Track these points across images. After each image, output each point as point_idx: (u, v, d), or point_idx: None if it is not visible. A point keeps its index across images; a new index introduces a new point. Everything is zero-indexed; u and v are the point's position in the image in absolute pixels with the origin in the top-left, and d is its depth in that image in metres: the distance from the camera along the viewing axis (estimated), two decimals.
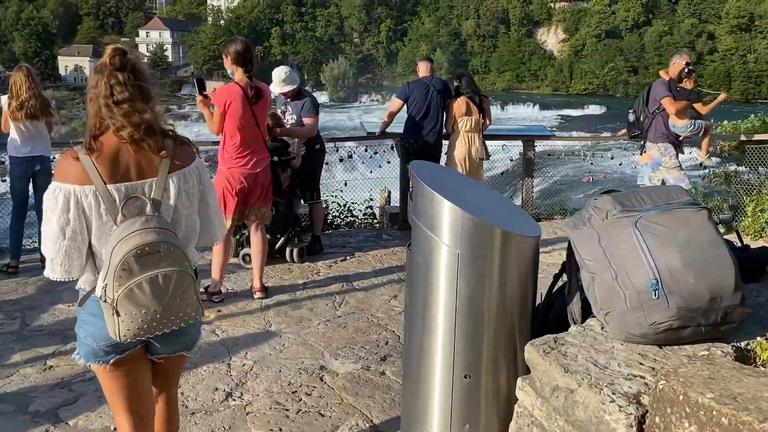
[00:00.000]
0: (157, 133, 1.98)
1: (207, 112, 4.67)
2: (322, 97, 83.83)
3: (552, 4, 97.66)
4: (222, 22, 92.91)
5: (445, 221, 2.20)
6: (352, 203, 7.89)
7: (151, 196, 1.95)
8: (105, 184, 1.89)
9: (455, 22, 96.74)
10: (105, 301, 1.86)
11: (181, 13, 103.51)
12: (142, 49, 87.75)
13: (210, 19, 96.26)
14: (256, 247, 4.88)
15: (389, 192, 9.00)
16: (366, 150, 7.29)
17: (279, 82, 5.67)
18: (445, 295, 2.25)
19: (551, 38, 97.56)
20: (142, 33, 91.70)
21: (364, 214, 7.97)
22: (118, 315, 1.84)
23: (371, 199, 8.17)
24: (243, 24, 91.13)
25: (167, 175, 1.99)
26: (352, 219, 7.85)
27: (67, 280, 1.97)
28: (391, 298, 4.97)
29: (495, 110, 72.41)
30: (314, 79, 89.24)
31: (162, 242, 1.86)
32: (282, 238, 5.81)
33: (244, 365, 3.83)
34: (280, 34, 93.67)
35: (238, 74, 4.58)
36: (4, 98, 5.42)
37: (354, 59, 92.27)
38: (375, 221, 7.92)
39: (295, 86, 5.77)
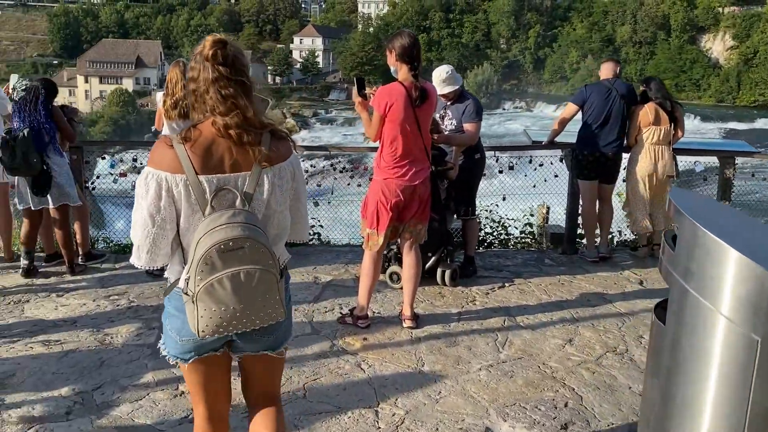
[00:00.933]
0: (255, 127, 1.93)
1: (365, 116, 4.13)
2: None
3: (720, 9, 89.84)
4: (371, 29, 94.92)
5: (736, 287, 1.42)
6: (508, 219, 7.12)
7: (243, 190, 1.91)
8: (196, 174, 1.86)
9: (609, 28, 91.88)
10: (186, 293, 1.84)
11: (333, 21, 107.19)
12: (296, 55, 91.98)
13: (360, 26, 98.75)
14: (408, 270, 4.28)
15: (548, 208, 8.10)
16: (530, 161, 6.49)
17: (439, 82, 5.04)
18: (727, 400, 1.46)
19: (717, 45, 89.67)
20: (296, 40, 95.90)
21: (521, 232, 7.16)
22: (198, 310, 1.81)
23: (531, 215, 7.34)
24: (391, 31, 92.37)
25: (261, 170, 1.94)
26: (506, 237, 7.07)
27: (150, 268, 1.95)
28: (565, 343, 4.15)
29: None
30: None
31: (247, 238, 1.80)
32: (433, 258, 5.17)
33: (394, 415, 3.22)
34: (427, 40, 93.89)
35: (402, 72, 4.00)
36: (160, 95, 5.26)
37: (499, 65, 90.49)
38: (532, 240, 7.08)
39: (457, 87, 5.13)
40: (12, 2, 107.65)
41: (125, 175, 6.29)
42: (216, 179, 1.89)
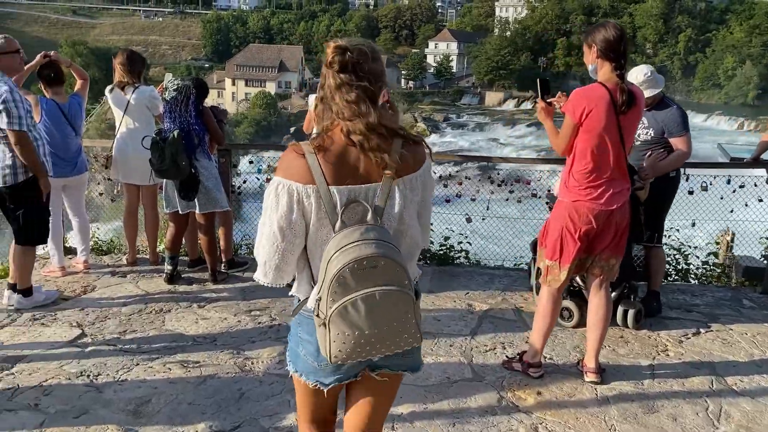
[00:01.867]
0: (384, 134, 1.81)
1: (549, 124, 3.45)
2: None
3: None
4: (508, 33, 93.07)
5: None
6: (689, 247, 6.10)
7: (374, 203, 1.79)
8: (328, 185, 1.76)
9: None
10: (318, 315, 1.72)
11: (469, 25, 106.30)
12: (430, 59, 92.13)
13: (497, 30, 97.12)
14: (596, 314, 3.53)
15: (732, 234, 6.93)
16: (729, 182, 5.44)
17: (637, 85, 4.22)
18: None
19: None
20: (431, 44, 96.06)
21: (704, 263, 6.11)
22: (330, 333, 1.69)
23: (717, 243, 6.27)
24: (529, 35, 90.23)
25: (393, 181, 1.81)
26: (685, 267, 6.06)
27: (277, 286, 1.86)
28: None
29: None
30: None
31: (382, 256, 1.66)
32: (614, 293, 4.37)
33: None
34: (566, 44, 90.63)
35: (604, 71, 3.28)
36: (312, 97, 4.86)
37: None
38: (721, 274, 6.01)
39: (658, 91, 4.32)
40: (172, 10, 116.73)
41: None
42: (347, 191, 1.78)
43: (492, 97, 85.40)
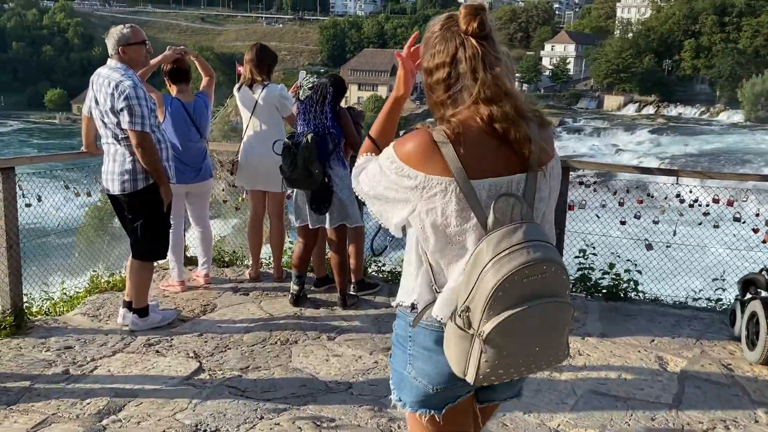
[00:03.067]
0: (524, 116, 1.53)
1: None
2: (736, 116, 73.43)
3: None
4: (630, 35, 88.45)
5: None
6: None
7: (521, 196, 1.53)
8: (468, 178, 1.49)
9: None
10: (462, 329, 1.46)
11: (588, 27, 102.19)
12: (545, 62, 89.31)
13: (617, 32, 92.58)
14: None
15: None
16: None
17: None
18: None
19: None
20: (547, 46, 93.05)
21: None
22: (481, 351, 1.45)
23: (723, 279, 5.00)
24: (653, 36, 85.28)
25: (537, 169, 1.55)
26: None
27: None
28: None
29: None
30: (728, 95, 78.74)
31: (551, 261, 1.44)
32: None
33: None
34: (694, 46, 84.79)
35: None
36: None
37: None
38: None
39: None
40: (291, 17, 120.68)
41: None
42: (488, 184, 1.52)
43: (611, 101, 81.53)
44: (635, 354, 3.84)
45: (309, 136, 4.14)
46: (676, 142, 57.30)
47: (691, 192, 4.89)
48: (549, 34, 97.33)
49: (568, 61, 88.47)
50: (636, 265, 5.04)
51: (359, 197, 1.68)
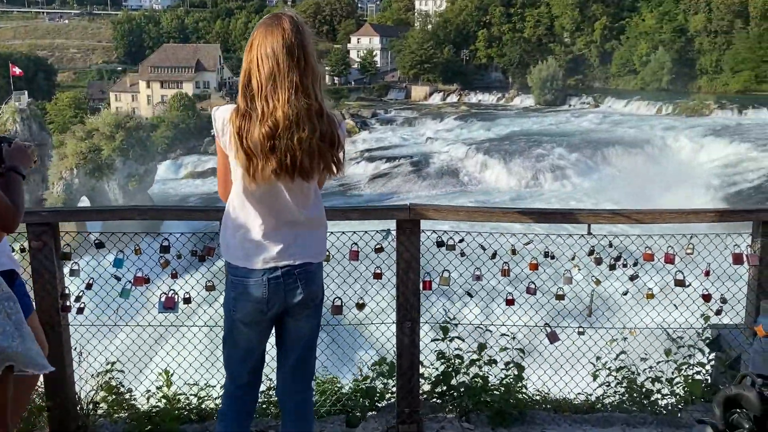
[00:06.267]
0: None
1: None
2: (527, 101, 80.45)
3: None
4: (429, 26, 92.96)
5: None
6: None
7: None
8: None
9: (681, 18, 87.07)
10: None
11: (390, 19, 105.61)
12: (353, 54, 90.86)
13: (417, 24, 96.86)
14: None
15: None
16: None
17: None
18: None
19: None
20: (353, 39, 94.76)
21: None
22: None
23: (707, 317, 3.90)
24: (450, 28, 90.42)
25: None
26: None
27: None
28: None
29: (731, 115, 63.72)
30: (520, 82, 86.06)
31: None
32: None
33: None
34: (487, 36, 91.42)
35: None
36: None
37: (563, 60, 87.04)
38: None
39: None
40: (78, 11, 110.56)
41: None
42: None
43: (418, 92, 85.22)
44: None
45: None
46: (480, 127, 61.33)
47: (611, 245, 3.41)
48: (354, 27, 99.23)
49: (374, 53, 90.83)
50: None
51: None
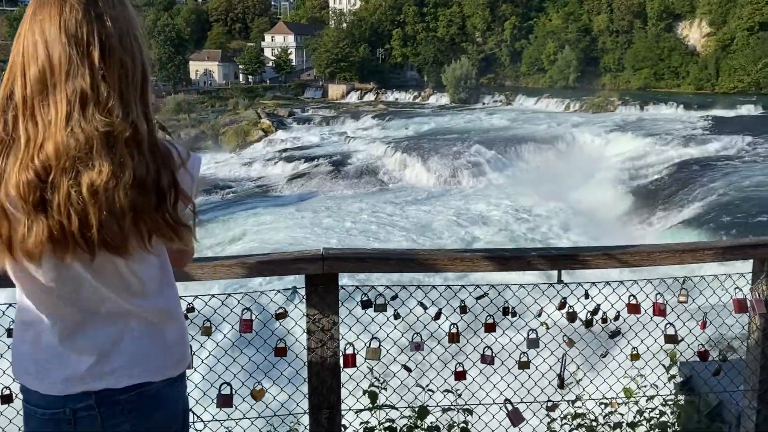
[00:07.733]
0: None
1: None
2: (443, 99, 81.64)
3: None
4: (344, 25, 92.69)
5: None
6: None
7: None
8: None
9: (585, 18, 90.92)
10: None
11: (304, 18, 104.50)
12: (267, 53, 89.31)
13: (332, 22, 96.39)
14: None
15: None
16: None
17: None
18: None
19: (694, 32, 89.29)
20: (267, 38, 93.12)
21: None
22: None
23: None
24: (365, 27, 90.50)
25: None
26: None
27: None
28: None
29: (633, 110, 67.01)
30: (435, 80, 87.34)
31: None
32: None
33: None
34: (401, 35, 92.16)
35: None
36: None
37: (476, 59, 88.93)
38: None
39: None
40: None
41: None
42: None
43: (335, 90, 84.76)
44: None
45: None
46: (398, 126, 61.59)
47: (587, 296, 2.76)
48: (267, 25, 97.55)
49: (289, 51, 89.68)
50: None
51: None
